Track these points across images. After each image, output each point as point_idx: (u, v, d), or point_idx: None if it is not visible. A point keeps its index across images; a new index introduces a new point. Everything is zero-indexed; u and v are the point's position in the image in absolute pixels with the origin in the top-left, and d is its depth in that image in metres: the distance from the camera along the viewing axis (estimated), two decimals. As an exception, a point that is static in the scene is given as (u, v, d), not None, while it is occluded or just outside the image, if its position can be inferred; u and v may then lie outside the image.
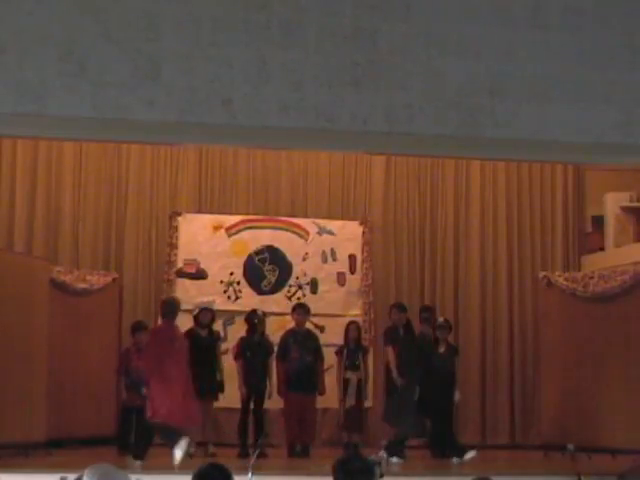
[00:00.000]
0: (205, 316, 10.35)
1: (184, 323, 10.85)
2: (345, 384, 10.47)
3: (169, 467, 8.66)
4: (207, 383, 10.01)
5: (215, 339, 10.36)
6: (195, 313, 10.54)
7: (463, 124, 7.26)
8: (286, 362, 10.27)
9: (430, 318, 10.37)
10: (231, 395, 10.30)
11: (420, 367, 9.91)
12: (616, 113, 7.44)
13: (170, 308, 9.70)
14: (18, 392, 9.42)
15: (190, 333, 10.30)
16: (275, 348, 10.40)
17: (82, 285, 10.74)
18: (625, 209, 11.42)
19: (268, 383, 10.24)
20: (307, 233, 11.70)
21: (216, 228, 11.57)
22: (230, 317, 11.28)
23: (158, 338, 9.49)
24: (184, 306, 11.18)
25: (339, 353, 10.66)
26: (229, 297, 11.43)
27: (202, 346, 10.13)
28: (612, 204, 11.48)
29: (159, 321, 10.15)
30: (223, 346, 10.59)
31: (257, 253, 11.59)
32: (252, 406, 10.18)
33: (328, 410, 10.98)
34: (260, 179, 11.89)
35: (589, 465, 8.70)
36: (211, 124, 7.06)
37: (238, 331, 10.75)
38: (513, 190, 12.19)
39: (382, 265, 11.88)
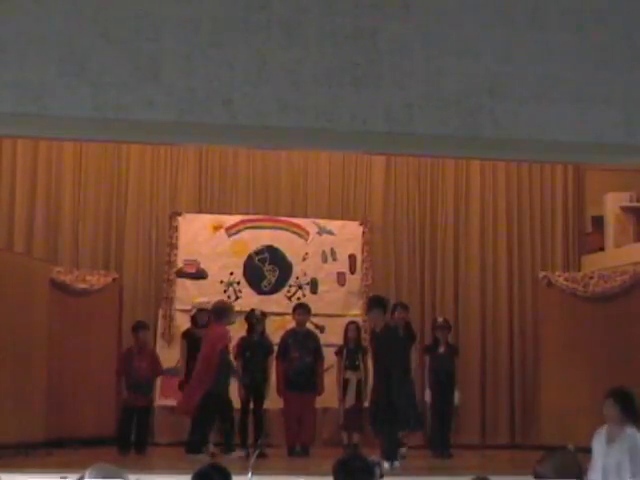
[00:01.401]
0: (202, 317, 10.36)
1: (183, 323, 10.90)
2: (345, 384, 10.47)
3: (169, 467, 8.67)
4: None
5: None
6: (192, 314, 10.55)
7: (463, 124, 7.25)
8: (286, 362, 10.27)
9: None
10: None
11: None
12: (616, 113, 7.43)
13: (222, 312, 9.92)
14: (18, 392, 9.43)
15: (187, 333, 10.34)
16: (275, 348, 10.41)
17: (82, 285, 10.75)
18: (625, 209, 11.41)
19: (268, 383, 10.26)
20: (307, 233, 11.70)
21: (216, 228, 11.57)
22: (230, 317, 11.28)
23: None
24: (184, 306, 11.23)
25: (339, 353, 10.66)
26: (229, 297, 11.40)
27: (200, 346, 10.15)
28: (612, 204, 11.46)
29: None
30: (223, 346, 10.59)
31: (257, 253, 11.58)
32: (252, 406, 10.18)
33: (328, 410, 10.98)
34: (260, 179, 11.88)
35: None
36: (211, 124, 7.04)
37: (238, 331, 10.73)
38: (513, 190, 12.18)
39: (382, 265, 11.87)
